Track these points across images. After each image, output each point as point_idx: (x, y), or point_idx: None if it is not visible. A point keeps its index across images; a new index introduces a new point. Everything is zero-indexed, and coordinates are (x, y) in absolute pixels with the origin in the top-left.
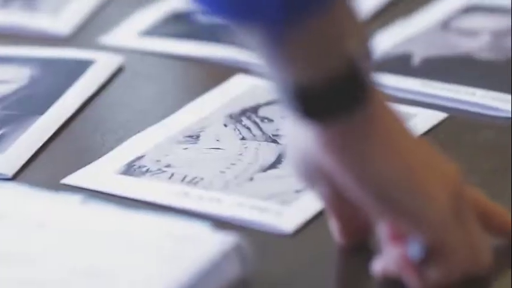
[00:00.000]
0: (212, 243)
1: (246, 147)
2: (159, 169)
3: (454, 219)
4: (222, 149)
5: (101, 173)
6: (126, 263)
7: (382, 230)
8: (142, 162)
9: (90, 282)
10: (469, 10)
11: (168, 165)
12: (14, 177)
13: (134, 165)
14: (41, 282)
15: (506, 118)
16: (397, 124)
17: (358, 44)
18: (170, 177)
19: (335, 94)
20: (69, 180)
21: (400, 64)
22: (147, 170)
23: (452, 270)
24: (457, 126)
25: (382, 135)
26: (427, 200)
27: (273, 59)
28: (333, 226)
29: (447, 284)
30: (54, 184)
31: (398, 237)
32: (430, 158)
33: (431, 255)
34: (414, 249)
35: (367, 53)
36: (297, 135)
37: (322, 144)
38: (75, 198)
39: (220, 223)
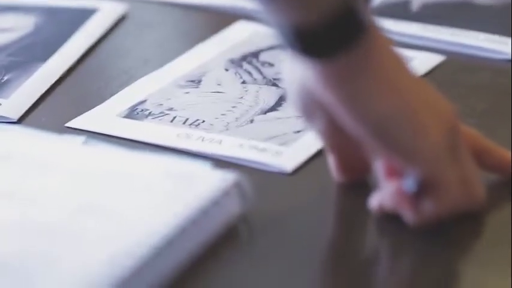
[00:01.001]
0: (212, 181)
1: (246, 91)
2: (161, 112)
3: (448, 155)
4: (223, 92)
5: (104, 116)
6: (128, 202)
7: (379, 166)
8: (144, 106)
9: (92, 221)
10: None
11: (170, 109)
12: (20, 121)
13: (137, 108)
14: (43, 222)
15: (503, 60)
16: (396, 62)
17: None
18: (172, 120)
19: (331, 32)
20: (72, 123)
21: (399, 9)
22: (150, 114)
23: (445, 204)
24: (454, 68)
25: (379, 71)
26: (422, 136)
27: (269, 4)
28: (331, 162)
29: (441, 218)
30: (58, 127)
31: (394, 172)
32: (427, 96)
33: (425, 189)
34: (409, 183)
35: None
36: (296, 70)
37: (321, 80)
38: (78, 140)
39: (220, 163)
